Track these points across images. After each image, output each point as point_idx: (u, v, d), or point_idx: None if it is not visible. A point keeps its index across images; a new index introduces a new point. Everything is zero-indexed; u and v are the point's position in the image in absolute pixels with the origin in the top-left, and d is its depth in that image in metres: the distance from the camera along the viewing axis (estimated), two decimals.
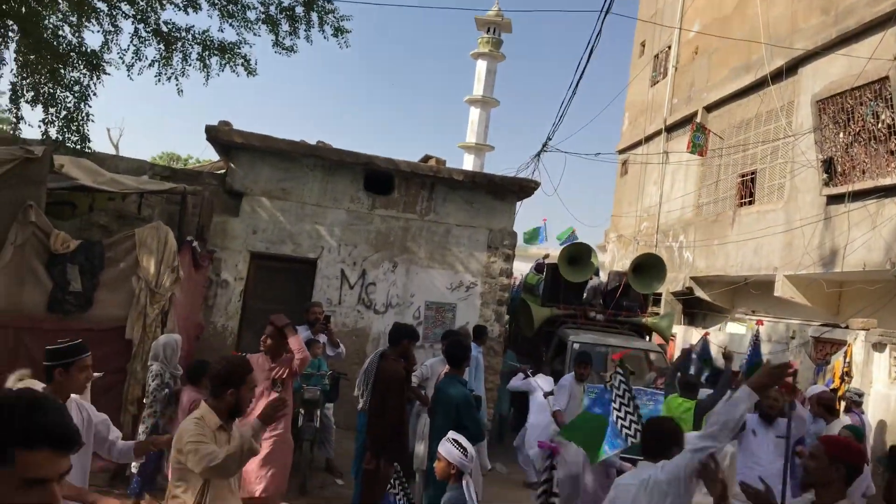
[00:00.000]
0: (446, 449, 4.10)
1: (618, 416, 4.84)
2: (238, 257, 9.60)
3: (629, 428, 4.79)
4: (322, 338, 7.93)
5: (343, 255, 9.94)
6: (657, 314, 13.53)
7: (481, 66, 55.91)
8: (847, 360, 10.48)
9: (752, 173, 15.07)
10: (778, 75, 13.89)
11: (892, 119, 10.85)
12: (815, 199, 12.54)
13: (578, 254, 11.93)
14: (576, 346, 9.91)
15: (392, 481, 4.17)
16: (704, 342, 11.28)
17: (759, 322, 8.11)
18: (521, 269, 15.60)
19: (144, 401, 5.97)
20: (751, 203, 15.02)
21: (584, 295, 12.14)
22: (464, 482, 4.07)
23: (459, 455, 4.06)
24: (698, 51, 18.37)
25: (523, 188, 10.77)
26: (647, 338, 12.16)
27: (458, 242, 10.35)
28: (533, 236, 15.73)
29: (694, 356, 10.68)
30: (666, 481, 3.35)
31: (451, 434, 4.24)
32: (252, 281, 9.73)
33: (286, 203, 9.79)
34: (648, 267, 11.93)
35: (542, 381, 8.88)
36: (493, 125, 64.37)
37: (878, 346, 10.18)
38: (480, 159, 55.24)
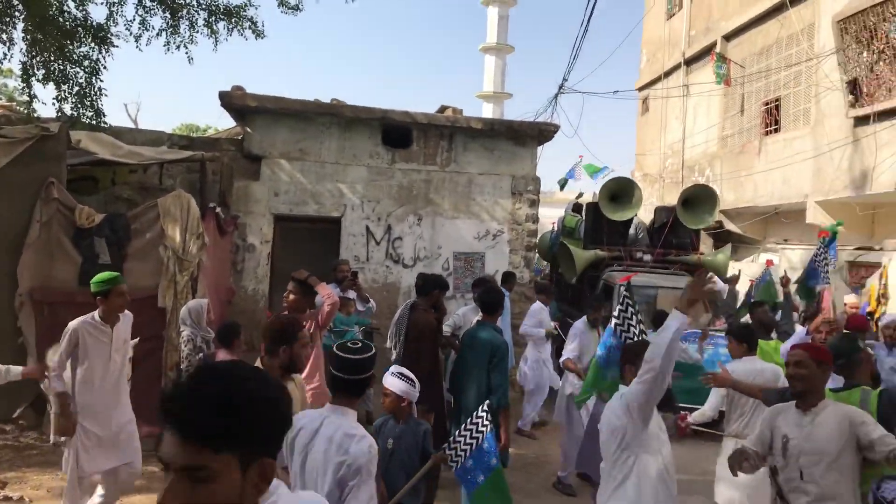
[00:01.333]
0: (389, 381, 4.11)
1: (616, 323, 4.81)
2: (262, 221, 9.62)
3: (627, 331, 4.77)
4: (351, 293, 7.97)
5: (367, 211, 9.91)
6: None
7: (493, 12, 54.87)
8: (883, 281, 10.33)
9: (777, 100, 14.73)
10: None
11: None
12: (841, 122, 12.23)
13: (621, 190, 11.03)
14: (623, 290, 9.39)
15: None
16: (766, 271, 10.71)
17: (822, 234, 7.50)
18: (547, 214, 15.43)
19: (181, 366, 6.05)
20: (777, 131, 14.70)
21: (630, 234, 11.24)
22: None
23: (406, 385, 4.09)
24: None
25: (543, 132, 10.63)
26: None
27: (481, 191, 10.26)
28: (564, 181, 15.17)
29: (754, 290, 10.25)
30: (621, 409, 3.41)
31: (394, 368, 4.24)
32: (278, 243, 9.77)
33: (305, 163, 9.76)
34: (697, 200, 10.96)
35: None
36: (509, 72, 63.23)
37: None
38: (499, 107, 54.55)
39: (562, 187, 15.40)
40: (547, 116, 16.70)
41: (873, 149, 11.33)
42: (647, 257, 10.73)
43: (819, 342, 5.44)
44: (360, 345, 3.08)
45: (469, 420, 3.92)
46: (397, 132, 10.02)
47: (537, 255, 13.31)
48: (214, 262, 7.86)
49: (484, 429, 3.79)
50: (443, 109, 11.39)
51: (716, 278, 4.51)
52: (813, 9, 13.31)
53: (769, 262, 11.39)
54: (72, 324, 4.76)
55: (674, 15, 20.22)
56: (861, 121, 11.73)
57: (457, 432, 3.97)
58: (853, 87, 11.84)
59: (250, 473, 1.29)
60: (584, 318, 7.13)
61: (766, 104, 15.01)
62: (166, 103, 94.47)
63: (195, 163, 8.71)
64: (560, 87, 15.14)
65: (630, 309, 4.75)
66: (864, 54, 11.55)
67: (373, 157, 9.97)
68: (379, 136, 9.98)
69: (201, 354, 5.90)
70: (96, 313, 4.77)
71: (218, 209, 8.09)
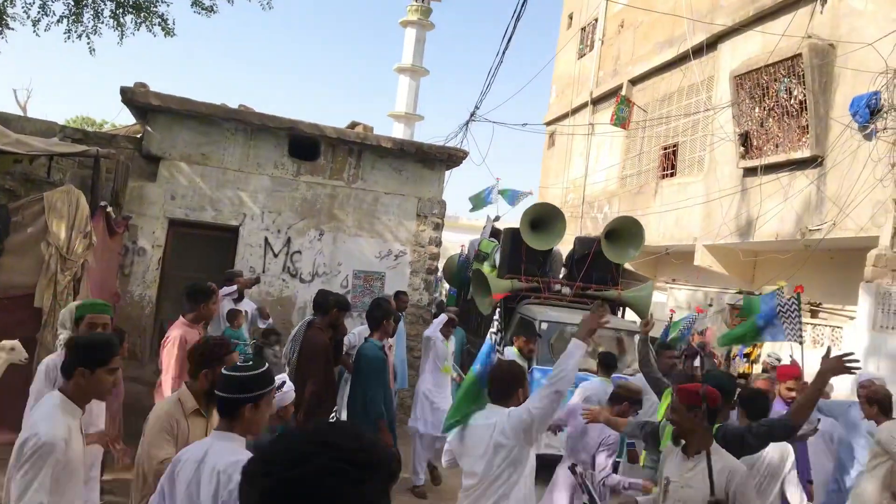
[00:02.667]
0: None
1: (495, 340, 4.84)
2: (155, 224, 9.25)
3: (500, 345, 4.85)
4: (252, 306, 7.79)
5: (267, 222, 9.70)
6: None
7: (410, 34, 55.18)
8: None
9: (674, 146, 15.44)
10: (699, 50, 14.21)
11: (804, 95, 11.25)
12: (732, 171, 12.94)
13: (543, 217, 10.27)
14: (544, 326, 8.62)
15: None
16: (693, 315, 10.39)
17: (799, 288, 6.84)
18: (451, 239, 15.50)
19: None
20: (672, 175, 15.40)
21: (547, 265, 10.42)
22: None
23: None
24: (624, 24, 18.61)
25: (452, 157, 10.72)
26: (620, 314, 10.50)
27: (386, 210, 10.23)
28: (479, 202, 14.17)
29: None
30: (511, 430, 3.51)
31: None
32: (171, 249, 9.40)
33: (206, 168, 9.47)
34: (621, 233, 10.26)
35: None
36: (422, 94, 63.79)
37: None
38: (410, 129, 54.74)
39: (474, 208, 14.53)
40: (457, 142, 16.93)
41: (758, 199, 12.04)
42: (567, 290, 9.98)
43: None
44: (249, 363, 2.94)
45: None
46: (305, 144, 9.88)
47: (443, 279, 13.29)
48: (101, 263, 7.49)
49: None
50: (353, 125, 11.32)
51: (608, 314, 4.37)
52: (713, 63, 14.09)
53: (699, 309, 10.98)
54: (46, 359, 4.08)
55: (584, 55, 20.95)
56: (750, 172, 12.46)
57: None
58: (744, 139, 12.58)
59: None
60: (515, 349, 6.82)
61: (665, 149, 15.72)
62: (60, 93, 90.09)
63: (89, 158, 8.29)
64: (472, 115, 15.35)
65: (497, 324, 4.84)
66: (756, 110, 12.29)
67: (277, 167, 9.78)
68: (285, 147, 9.82)
69: None
70: None
71: (109, 208, 7.73)
